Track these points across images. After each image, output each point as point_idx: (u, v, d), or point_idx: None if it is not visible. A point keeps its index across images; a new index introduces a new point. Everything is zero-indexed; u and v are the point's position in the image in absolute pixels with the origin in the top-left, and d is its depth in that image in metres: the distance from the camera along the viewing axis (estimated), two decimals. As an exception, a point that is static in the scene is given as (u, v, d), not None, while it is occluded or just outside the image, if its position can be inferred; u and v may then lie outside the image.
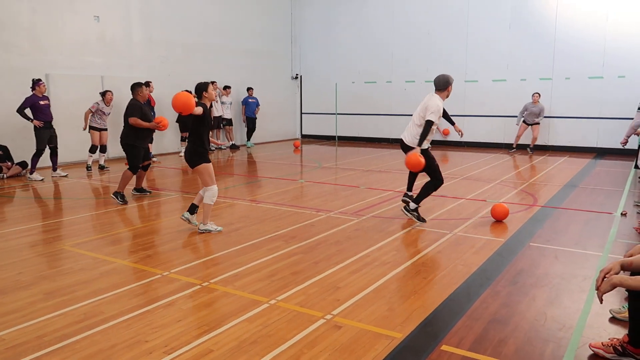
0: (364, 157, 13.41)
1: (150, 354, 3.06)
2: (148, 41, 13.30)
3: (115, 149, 12.52)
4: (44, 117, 9.28)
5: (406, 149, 6.22)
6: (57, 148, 9.74)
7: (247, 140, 15.61)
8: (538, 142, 14.07)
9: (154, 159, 12.25)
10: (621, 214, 6.57)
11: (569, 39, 13.49)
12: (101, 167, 10.89)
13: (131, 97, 7.85)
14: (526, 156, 13.02)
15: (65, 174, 9.92)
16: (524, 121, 13.43)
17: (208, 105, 5.78)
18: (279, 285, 4.18)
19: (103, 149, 10.92)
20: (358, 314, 3.60)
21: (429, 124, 5.98)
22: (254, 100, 15.26)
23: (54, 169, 9.87)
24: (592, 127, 13.57)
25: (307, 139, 18.41)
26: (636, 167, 7.04)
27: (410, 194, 6.61)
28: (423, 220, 6.19)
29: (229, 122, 14.86)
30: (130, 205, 7.37)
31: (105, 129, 10.83)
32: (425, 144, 6.13)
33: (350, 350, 3.10)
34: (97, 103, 10.54)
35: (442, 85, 6.15)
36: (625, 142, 7.89)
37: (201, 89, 5.74)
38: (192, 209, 5.92)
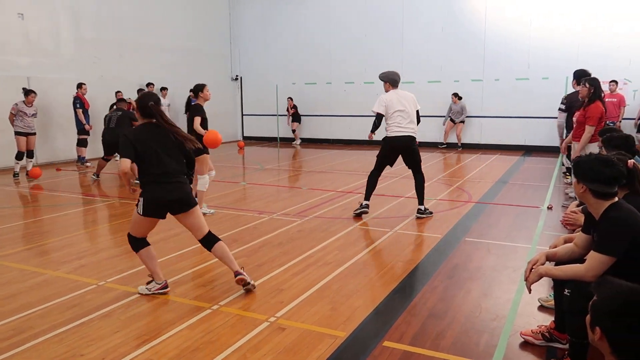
0: (305, 158, 13.46)
1: (86, 368, 2.94)
2: (78, 40, 12.70)
3: (44, 153, 11.91)
4: None
5: (412, 140, 6.37)
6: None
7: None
8: (471, 141, 14.73)
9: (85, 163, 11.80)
10: (547, 207, 6.98)
11: (497, 43, 14.19)
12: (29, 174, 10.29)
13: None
14: (457, 154, 13.55)
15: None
16: (451, 119, 14.66)
17: (202, 104, 6.48)
18: (221, 290, 4.12)
19: (30, 155, 10.32)
20: (301, 315, 3.62)
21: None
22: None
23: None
24: (520, 125, 14.33)
25: (249, 140, 18.26)
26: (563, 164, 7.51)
27: (367, 202, 6.53)
28: (430, 212, 6.53)
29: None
30: (62, 213, 7.02)
31: (33, 133, 10.24)
32: (390, 134, 6.42)
33: (295, 351, 3.11)
34: (17, 104, 9.96)
35: (394, 81, 6.49)
36: (562, 143, 7.82)
37: (197, 89, 6.54)
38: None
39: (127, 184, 3.91)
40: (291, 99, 16.60)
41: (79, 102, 11.52)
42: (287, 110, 16.75)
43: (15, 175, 10.02)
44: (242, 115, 18.57)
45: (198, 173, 6.39)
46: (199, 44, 16.53)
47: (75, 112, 11.56)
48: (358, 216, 6.52)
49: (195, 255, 5.04)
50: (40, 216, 6.94)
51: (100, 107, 12.42)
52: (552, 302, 3.51)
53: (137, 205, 3.93)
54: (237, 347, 3.17)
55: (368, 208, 6.56)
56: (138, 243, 4.06)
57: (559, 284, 3.00)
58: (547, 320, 3.46)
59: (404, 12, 15.23)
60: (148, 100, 3.90)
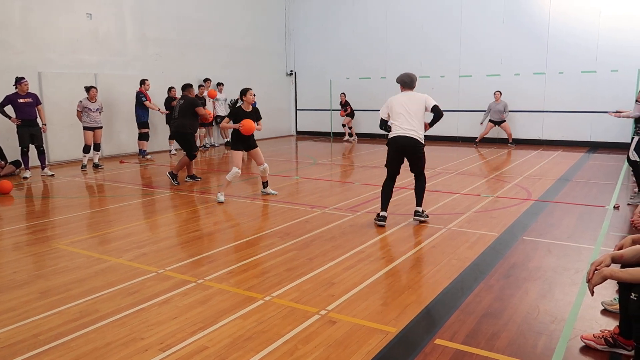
0: (358, 153, 13.43)
1: (146, 352, 3.08)
2: (141, 38, 13.25)
3: (109, 147, 12.53)
4: (22, 116, 9.24)
5: (415, 143, 5.80)
6: (42, 147, 9.67)
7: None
8: (532, 137, 14.17)
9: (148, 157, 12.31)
10: (614, 207, 6.62)
11: (562, 34, 13.53)
12: (95, 166, 10.85)
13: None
14: (520, 151, 13.06)
15: (52, 173, 9.85)
16: (490, 120, 13.98)
17: (245, 109, 7.37)
18: (273, 281, 4.19)
19: (97, 147, 10.88)
20: (352, 309, 3.62)
21: (439, 109, 5.81)
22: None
23: (42, 168, 9.83)
24: (585, 121, 13.64)
25: (302, 135, 18.41)
26: (628, 160, 7.08)
27: (384, 214, 5.97)
28: (427, 216, 6.10)
29: (223, 119, 14.78)
30: (124, 204, 7.37)
31: (100, 127, 10.78)
32: (391, 135, 5.94)
33: (345, 345, 3.12)
34: (81, 101, 10.49)
35: (415, 82, 6.05)
36: (619, 114, 7.45)
37: (241, 93, 7.40)
38: (264, 185, 7.76)
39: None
40: (344, 94, 16.53)
41: (144, 97, 12.00)
42: (340, 104, 16.67)
43: (83, 167, 10.59)
44: (296, 110, 18.74)
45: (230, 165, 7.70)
46: (255, 41, 16.82)
47: (141, 105, 12.00)
48: (381, 226, 5.92)
49: (249, 247, 5.15)
50: (104, 206, 7.31)
51: (161, 101, 12.90)
52: (617, 306, 3.33)
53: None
54: (288, 338, 3.21)
55: (385, 220, 5.92)
56: None
57: (625, 288, 2.84)
58: (611, 324, 3.29)
59: (463, 3, 14.83)
60: None
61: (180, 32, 14.19)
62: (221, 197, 7.30)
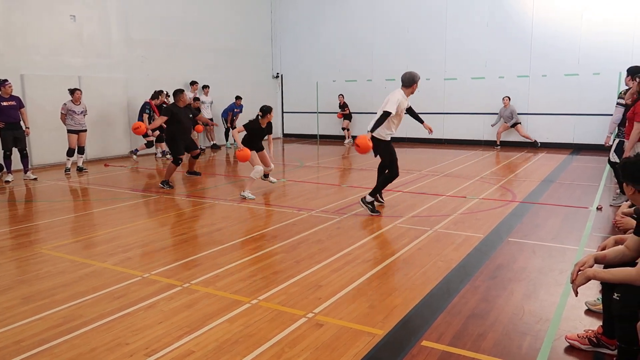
0: (345, 155, 13.45)
1: (131, 357, 3.04)
2: (126, 41, 13.14)
3: (93, 150, 12.38)
4: (5, 119, 9.08)
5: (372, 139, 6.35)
6: (25, 150, 9.52)
7: (235, 141, 15.43)
8: (516, 139, 14.33)
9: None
10: (597, 208, 6.71)
11: (545, 37, 13.71)
12: (80, 169, 10.73)
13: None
14: (507, 153, 13.19)
15: (35, 177, 9.70)
16: (504, 122, 14.09)
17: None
18: (260, 285, 4.18)
19: (81, 151, 10.75)
20: (339, 312, 3.63)
21: (385, 115, 6.33)
22: (239, 110, 15.09)
23: (25, 172, 9.68)
24: (568, 123, 13.82)
25: (289, 137, 18.40)
26: (609, 161, 7.18)
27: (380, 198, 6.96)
28: (377, 212, 6.50)
29: (210, 119, 14.75)
30: (109, 207, 7.29)
31: (84, 130, 10.65)
32: (387, 137, 6.59)
33: (332, 348, 3.12)
34: (65, 104, 10.37)
35: (408, 81, 6.47)
36: (609, 140, 7.66)
37: (266, 111, 7.98)
38: (265, 176, 8.42)
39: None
40: (342, 96, 16.52)
41: (149, 108, 11.91)
42: (339, 106, 16.61)
43: (67, 170, 10.47)
44: (283, 112, 18.72)
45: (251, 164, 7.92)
46: (242, 44, 16.78)
47: (141, 117, 11.90)
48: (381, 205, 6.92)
49: (236, 250, 5.13)
50: (89, 210, 7.23)
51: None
52: (600, 306, 3.38)
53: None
54: (275, 341, 3.20)
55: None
56: None
57: (608, 288, 2.88)
58: (594, 324, 3.33)
59: (447, 6, 14.96)
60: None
61: (166, 34, 14.10)
62: (250, 195, 7.65)
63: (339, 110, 16.53)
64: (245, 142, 7.91)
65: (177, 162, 8.73)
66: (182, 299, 3.90)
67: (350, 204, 7.20)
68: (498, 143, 14.29)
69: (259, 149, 8.11)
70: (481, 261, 4.72)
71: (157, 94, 12.04)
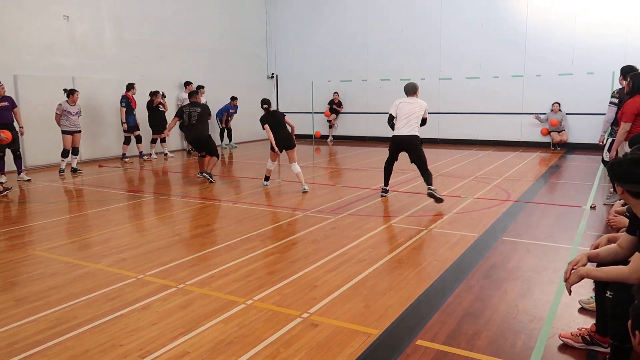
0: (340, 155, 13.46)
1: (126, 358, 3.03)
2: (120, 41, 13.08)
3: (88, 151, 12.33)
4: None
5: (411, 140, 7.14)
6: (18, 151, 9.45)
7: (230, 141, 15.46)
8: (511, 138, 14.39)
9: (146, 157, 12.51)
10: (590, 207, 6.74)
11: (539, 37, 13.77)
12: (74, 170, 10.67)
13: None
14: (500, 153, 13.23)
15: (29, 178, 9.65)
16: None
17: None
18: (255, 285, 4.17)
19: (75, 152, 10.70)
20: (334, 312, 3.63)
21: (426, 121, 7.44)
22: (234, 111, 15.10)
23: (19, 173, 9.63)
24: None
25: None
26: (603, 161, 7.22)
27: (387, 188, 7.64)
28: (442, 199, 6.99)
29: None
30: (103, 209, 7.26)
31: (79, 131, 10.60)
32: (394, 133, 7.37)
33: (327, 348, 3.12)
34: (61, 104, 10.31)
35: (417, 89, 7.39)
36: (603, 139, 7.64)
37: (270, 102, 8.43)
38: (267, 178, 8.68)
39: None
40: (337, 94, 16.59)
41: (125, 102, 11.86)
42: (334, 103, 16.69)
43: (61, 171, 10.42)
44: (278, 113, 18.71)
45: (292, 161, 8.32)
46: (236, 44, 16.75)
47: (120, 111, 11.91)
48: (383, 196, 7.54)
49: (230, 251, 5.12)
50: (83, 211, 7.20)
51: (142, 106, 12.75)
52: (593, 305, 3.39)
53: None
54: (270, 341, 3.20)
55: (387, 192, 7.64)
56: None
57: (601, 286, 2.89)
58: (588, 322, 3.35)
59: (442, 7, 14.99)
60: None
61: (160, 34, 14.05)
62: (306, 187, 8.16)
63: (334, 106, 16.65)
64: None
65: (217, 156, 9.37)
66: (177, 300, 3.89)
67: (345, 203, 7.21)
68: (553, 145, 13.86)
69: (288, 146, 8.27)
70: (476, 260, 4.73)
71: (130, 86, 11.96)
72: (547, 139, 14.06)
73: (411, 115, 7.16)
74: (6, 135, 8.63)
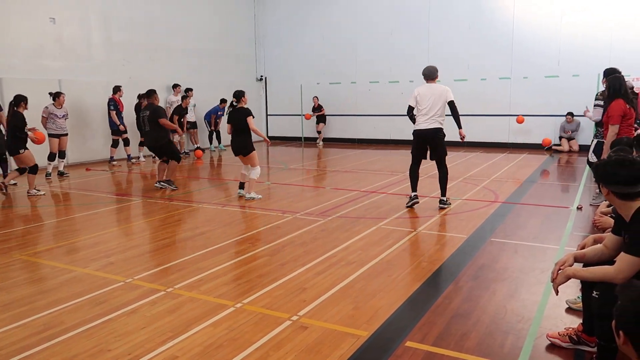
0: (329, 157, 13.47)
1: (113, 363, 3.01)
2: (108, 43, 12.99)
3: (75, 154, 12.21)
4: None
5: (434, 132, 6.78)
6: (4, 155, 9.32)
7: (219, 143, 15.39)
8: (498, 140, 14.51)
9: (114, 163, 12.11)
10: (577, 208, 6.82)
11: (526, 40, 13.92)
12: (60, 174, 10.56)
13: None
14: (489, 154, 13.33)
15: (15, 182, 9.53)
16: (561, 137, 13.64)
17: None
18: (244, 288, 4.16)
19: (62, 155, 10.59)
20: (324, 314, 3.63)
21: (454, 105, 6.83)
22: (222, 113, 15.03)
23: (4, 177, 9.50)
24: (549, 124, 14.02)
25: (273, 140, 18.35)
26: (588, 162, 7.31)
27: (415, 193, 7.04)
28: (449, 203, 6.98)
29: (193, 125, 14.64)
30: (90, 212, 7.20)
31: (65, 134, 10.50)
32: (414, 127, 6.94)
33: (317, 350, 3.12)
34: (47, 107, 10.20)
35: (435, 74, 6.89)
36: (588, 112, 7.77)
37: (240, 95, 7.67)
38: (242, 186, 7.96)
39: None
40: (316, 98, 16.59)
41: (113, 104, 11.77)
42: (313, 109, 16.71)
43: (48, 175, 10.31)
44: (267, 115, 18.69)
45: (253, 166, 7.77)
46: (224, 46, 16.71)
47: (109, 114, 11.83)
48: (411, 207, 6.94)
49: (220, 254, 5.10)
50: (70, 215, 7.13)
51: (129, 108, 12.66)
52: (580, 305, 3.43)
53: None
54: (260, 345, 3.19)
55: (417, 198, 7.00)
56: None
57: (587, 286, 2.92)
58: (575, 322, 3.38)
59: (430, 9, 15.09)
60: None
61: (148, 36, 13.97)
62: (256, 195, 7.77)
63: (311, 112, 16.60)
64: (250, 139, 7.79)
65: (178, 160, 8.83)
66: (166, 304, 3.87)
67: (334, 206, 7.22)
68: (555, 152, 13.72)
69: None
70: (464, 261, 4.76)
71: (117, 88, 11.84)
72: (534, 140, 14.19)
73: (432, 106, 6.68)
74: (38, 136, 8.56)
